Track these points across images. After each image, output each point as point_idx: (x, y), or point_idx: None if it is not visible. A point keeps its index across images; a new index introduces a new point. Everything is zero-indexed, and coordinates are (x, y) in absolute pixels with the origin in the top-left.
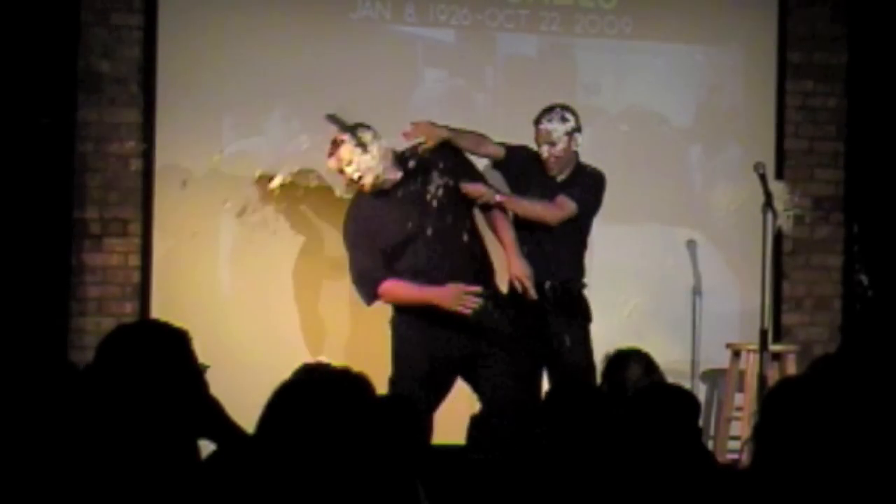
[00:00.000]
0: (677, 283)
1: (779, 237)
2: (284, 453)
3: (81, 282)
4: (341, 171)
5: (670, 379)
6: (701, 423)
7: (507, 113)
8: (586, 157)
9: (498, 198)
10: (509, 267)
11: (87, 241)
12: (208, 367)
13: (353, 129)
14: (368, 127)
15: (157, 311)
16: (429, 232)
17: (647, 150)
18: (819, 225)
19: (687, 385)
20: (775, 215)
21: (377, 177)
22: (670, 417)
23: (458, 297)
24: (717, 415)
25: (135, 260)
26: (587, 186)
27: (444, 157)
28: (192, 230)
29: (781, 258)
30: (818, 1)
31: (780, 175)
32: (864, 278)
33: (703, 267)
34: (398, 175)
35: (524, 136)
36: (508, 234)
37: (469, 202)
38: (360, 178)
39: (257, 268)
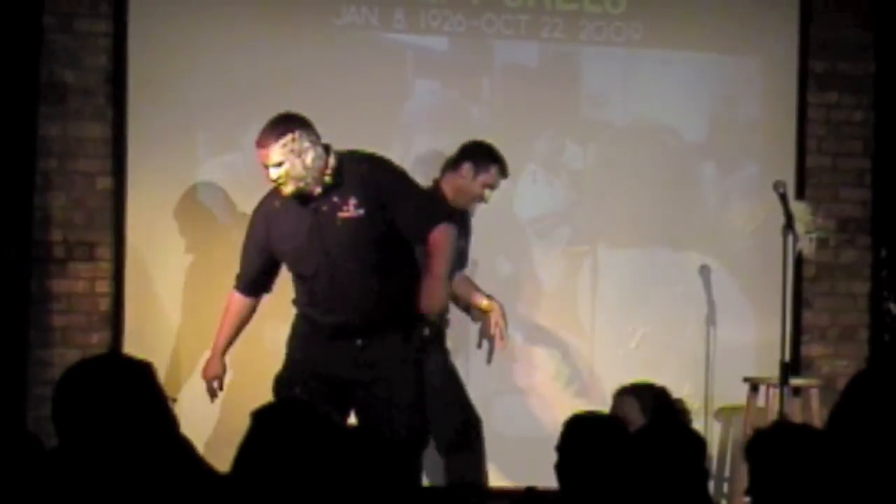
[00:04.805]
0: (689, 312)
1: (800, 262)
2: (261, 494)
3: (44, 310)
4: (265, 167)
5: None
6: (715, 464)
7: (505, 127)
8: (592, 174)
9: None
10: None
11: (50, 266)
12: (174, 399)
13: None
14: (310, 127)
15: (129, 342)
16: (325, 257)
17: (657, 167)
18: (844, 248)
19: (700, 423)
20: (796, 238)
21: (299, 188)
22: (673, 461)
23: (207, 374)
24: (734, 456)
25: (102, 286)
26: None
27: (372, 187)
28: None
29: (803, 285)
30: (843, 6)
31: (801, 195)
32: (892, 306)
33: (717, 294)
34: (317, 189)
35: (522, 152)
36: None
37: (394, 241)
38: (282, 183)
39: None
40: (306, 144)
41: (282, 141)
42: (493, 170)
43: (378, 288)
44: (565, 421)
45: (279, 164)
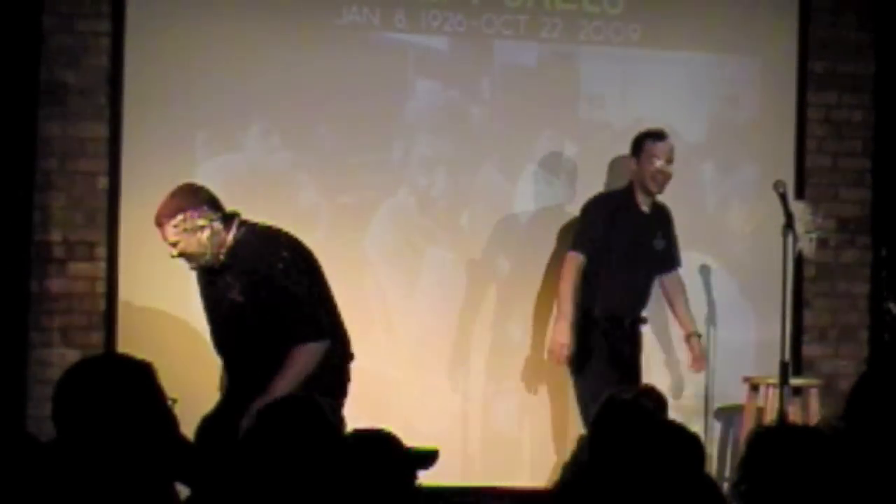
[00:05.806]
0: None
1: (800, 262)
2: (261, 493)
3: (44, 310)
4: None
5: (681, 417)
6: (715, 464)
7: (504, 127)
8: (589, 175)
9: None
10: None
11: (50, 266)
12: (175, 400)
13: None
14: (206, 202)
15: (124, 342)
16: (219, 333)
17: None
18: (844, 248)
19: (700, 423)
20: (796, 238)
21: (201, 264)
22: (671, 463)
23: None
24: (734, 455)
25: (102, 286)
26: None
27: (254, 279)
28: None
29: (803, 284)
30: (843, 6)
31: (801, 194)
32: (892, 306)
33: (717, 294)
34: (216, 265)
35: (522, 152)
36: None
37: (274, 319)
38: (184, 259)
39: None
40: (200, 223)
41: (173, 222)
42: (647, 143)
43: (267, 368)
44: (601, 400)
45: (175, 244)
